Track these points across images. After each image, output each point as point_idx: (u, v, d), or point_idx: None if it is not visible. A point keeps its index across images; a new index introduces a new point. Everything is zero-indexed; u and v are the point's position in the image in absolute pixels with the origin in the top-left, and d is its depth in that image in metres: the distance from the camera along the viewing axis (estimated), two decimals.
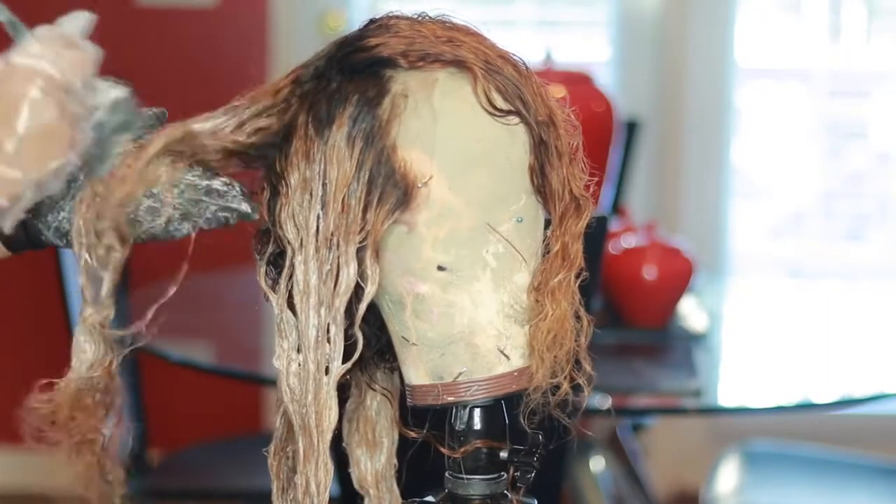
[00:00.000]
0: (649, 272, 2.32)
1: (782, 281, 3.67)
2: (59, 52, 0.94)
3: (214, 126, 0.99)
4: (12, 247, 0.99)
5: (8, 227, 0.94)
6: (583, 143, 1.03)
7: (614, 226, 2.45)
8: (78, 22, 0.98)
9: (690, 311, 2.44)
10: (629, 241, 2.37)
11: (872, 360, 2.40)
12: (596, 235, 1.80)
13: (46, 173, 0.93)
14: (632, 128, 3.16)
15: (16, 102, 0.91)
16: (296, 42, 3.60)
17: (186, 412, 3.57)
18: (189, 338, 2.46)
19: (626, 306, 2.34)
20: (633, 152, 3.19)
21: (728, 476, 2.62)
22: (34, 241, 1.00)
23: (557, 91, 2.55)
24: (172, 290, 1.00)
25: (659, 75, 3.67)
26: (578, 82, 2.45)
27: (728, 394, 2.27)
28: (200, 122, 0.99)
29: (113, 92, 0.97)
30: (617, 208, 2.89)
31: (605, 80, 3.50)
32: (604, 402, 1.95)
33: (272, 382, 0.99)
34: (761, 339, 2.59)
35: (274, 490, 1.06)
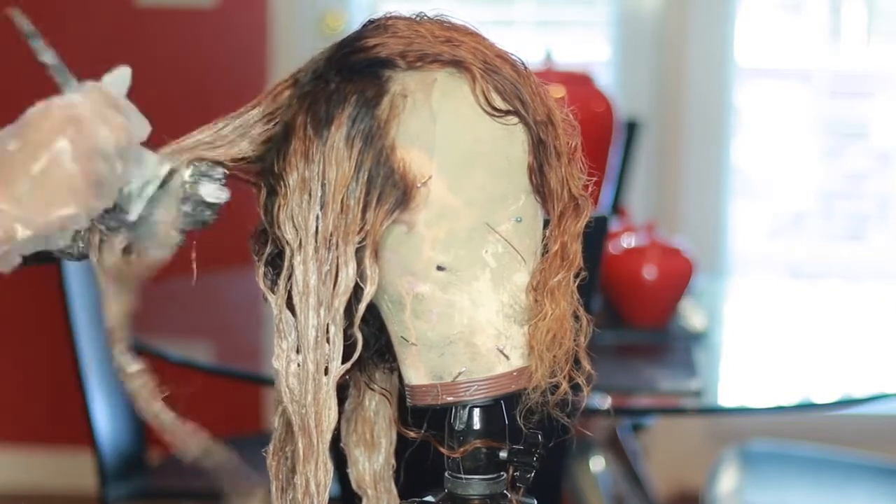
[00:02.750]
0: (649, 272, 2.32)
1: (782, 281, 3.67)
2: (101, 111, 0.94)
3: (216, 135, 0.99)
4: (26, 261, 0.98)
5: (3, 268, 0.93)
6: (582, 143, 1.03)
7: (614, 226, 2.45)
8: (122, 80, 0.97)
9: (690, 311, 2.44)
10: (629, 241, 2.37)
11: (872, 359, 2.39)
12: (596, 235, 1.80)
13: (49, 222, 0.92)
14: (632, 128, 3.16)
15: (41, 146, 0.92)
16: (296, 42, 3.59)
17: (186, 412, 3.57)
18: (189, 338, 2.46)
19: (626, 306, 2.34)
20: (633, 152, 3.19)
21: (728, 476, 2.62)
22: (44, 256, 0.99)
23: (557, 91, 2.55)
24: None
25: (659, 75, 3.67)
26: (578, 82, 2.45)
27: (728, 394, 2.27)
28: (202, 134, 0.99)
29: (156, 167, 0.97)
30: (617, 208, 2.89)
31: (605, 80, 3.50)
32: (604, 402, 1.95)
33: (272, 382, 0.99)
34: (761, 339, 2.59)
35: (273, 490, 1.06)
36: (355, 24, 0.99)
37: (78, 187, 0.93)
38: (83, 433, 2.54)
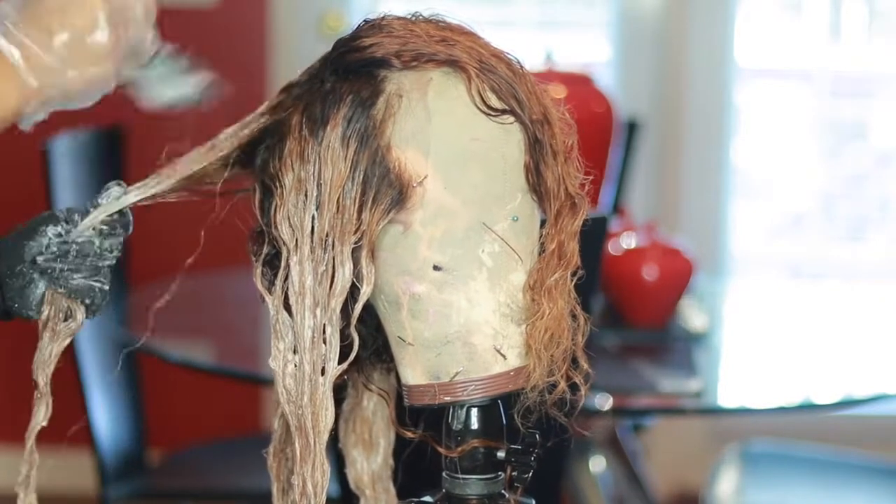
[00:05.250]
0: (649, 272, 2.32)
1: (782, 281, 3.67)
2: None
3: (210, 147, 1.00)
4: None
5: (27, 120, 0.96)
6: (583, 143, 1.03)
7: (614, 226, 2.45)
8: None
9: (690, 311, 2.43)
10: (629, 241, 2.37)
11: (873, 360, 2.39)
12: (596, 235, 1.80)
13: (81, 78, 0.96)
14: (632, 128, 3.16)
15: (79, 4, 0.95)
16: (296, 42, 3.59)
17: (186, 412, 3.57)
18: (189, 338, 2.46)
19: (626, 306, 2.34)
20: (633, 152, 3.19)
21: (728, 476, 2.61)
22: (3, 307, 1.01)
23: (557, 91, 2.53)
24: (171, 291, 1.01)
25: (659, 75, 3.67)
26: (578, 83, 2.45)
27: (728, 394, 2.26)
28: (195, 150, 1.01)
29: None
30: (617, 208, 2.88)
31: (605, 80, 3.49)
32: (604, 402, 1.95)
33: (272, 383, 0.99)
34: (761, 339, 2.58)
35: (274, 492, 1.06)
36: (355, 24, 0.99)
37: (111, 49, 0.97)
38: (83, 433, 2.54)
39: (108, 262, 1.01)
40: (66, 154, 2.47)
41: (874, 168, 3.80)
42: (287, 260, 0.97)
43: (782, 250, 3.79)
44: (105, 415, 2.53)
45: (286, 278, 0.98)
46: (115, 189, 1.01)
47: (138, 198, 1.01)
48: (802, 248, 3.77)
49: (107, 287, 1.01)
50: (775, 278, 3.73)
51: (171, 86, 1.04)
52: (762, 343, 2.55)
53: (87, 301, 1.01)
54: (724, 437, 3.50)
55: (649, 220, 2.49)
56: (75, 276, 1.00)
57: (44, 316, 1.02)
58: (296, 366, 0.98)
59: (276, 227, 0.98)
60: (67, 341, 1.04)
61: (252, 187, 1.01)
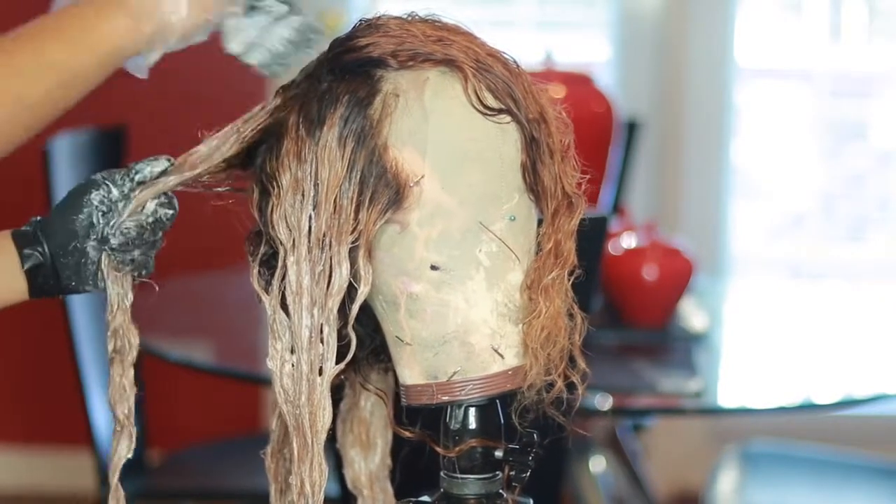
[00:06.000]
0: (649, 272, 2.32)
1: (782, 281, 3.67)
2: None
3: (218, 144, 1.00)
4: (35, 293, 1.00)
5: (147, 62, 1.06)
6: (582, 143, 1.03)
7: (614, 226, 2.45)
8: None
9: (690, 311, 2.43)
10: (629, 241, 2.37)
11: (873, 360, 2.39)
12: (596, 235, 1.80)
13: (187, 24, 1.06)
14: (632, 128, 3.16)
15: None
16: None
17: (186, 412, 3.57)
18: (189, 338, 2.46)
19: (626, 306, 2.34)
20: (633, 152, 3.19)
21: (728, 476, 2.61)
22: (60, 287, 1.01)
23: (557, 91, 2.53)
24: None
25: (659, 75, 3.67)
26: (578, 83, 2.45)
27: (728, 394, 2.26)
28: (206, 144, 1.01)
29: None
30: (617, 208, 2.88)
31: (605, 80, 3.49)
32: (604, 402, 1.95)
33: (271, 382, 0.99)
34: (762, 339, 2.58)
35: (272, 493, 1.06)
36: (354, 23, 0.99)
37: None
38: (83, 433, 2.54)
39: (161, 231, 1.01)
40: (66, 154, 2.46)
41: (874, 168, 3.80)
42: (284, 260, 0.98)
43: (782, 250, 3.79)
44: (105, 415, 2.53)
45: (283, 278, 0.98)
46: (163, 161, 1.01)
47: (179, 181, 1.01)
48: (802, 248, 3.77)
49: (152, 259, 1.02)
50: (775, 278, 3.73)
51: (264, 37, 1.08)
52: (762, 343, 2.55)
53: (141, 272, 1.01)
54: (724, 437, 3.50)
55: (649, 220, 2.48)
56: (133, 252, 1.00)
57: (110, 348, 1.02)
58: (293, 365, 0.98)
59: (273, 226, 0.98)
60: (132, 370, 1.03)
61: (250, 187, 1.01)
